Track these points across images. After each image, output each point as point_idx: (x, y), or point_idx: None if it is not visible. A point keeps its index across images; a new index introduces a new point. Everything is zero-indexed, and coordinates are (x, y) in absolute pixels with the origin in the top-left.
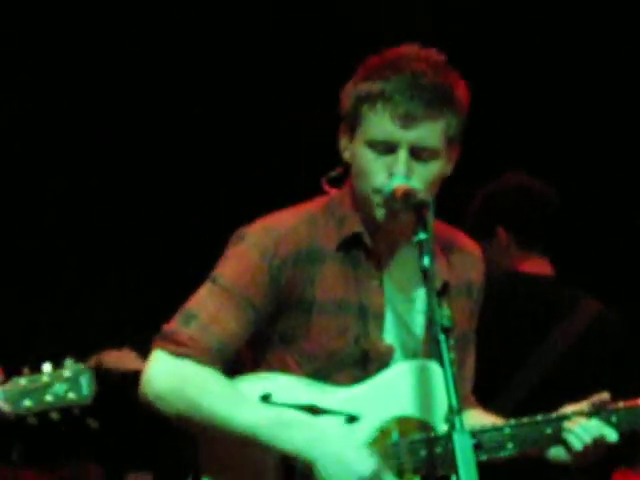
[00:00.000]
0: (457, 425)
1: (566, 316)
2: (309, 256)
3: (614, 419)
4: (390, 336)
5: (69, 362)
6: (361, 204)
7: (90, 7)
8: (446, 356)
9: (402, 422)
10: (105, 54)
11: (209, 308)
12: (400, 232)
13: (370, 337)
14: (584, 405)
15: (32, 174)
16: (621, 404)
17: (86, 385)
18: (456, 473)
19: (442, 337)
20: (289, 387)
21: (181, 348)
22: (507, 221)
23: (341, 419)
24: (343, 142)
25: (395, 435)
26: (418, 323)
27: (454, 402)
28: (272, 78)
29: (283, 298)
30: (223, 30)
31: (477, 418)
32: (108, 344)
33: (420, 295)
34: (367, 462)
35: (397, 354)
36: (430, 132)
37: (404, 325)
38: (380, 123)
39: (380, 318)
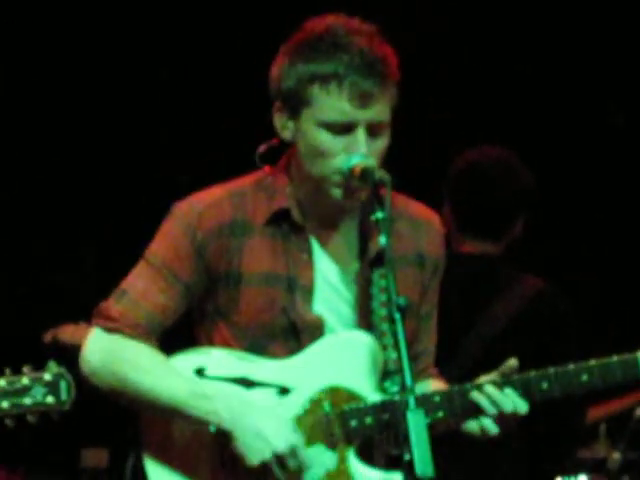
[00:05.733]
0: (411, 404)
1: (505, 292)
2: (234, 229)
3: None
4: (322, 308)
5: (51, 365)
6: (314, 183)
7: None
8: (401, 335)
9: (333, 392)
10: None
11: (139, 284)
12: (337, 206)
13: (297, 309)
14: (494, 375)
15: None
16: (532, 373)
17: (65, 390)
18: (410, 452)
19: (397, 316)
20: (223, 360)
21: (112, 323)
22: (450, 202)
23: (273, 391)
24: (281, 121)
25: (327, 406)
26: (353, 294)
27: (408, 380)
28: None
29: (212, 271)
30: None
31: (428, 389)
32: (67, 318)
33: (355, 267)
34: (285, 437)
35: (333, 325)
36: (383, 107)
37: (339, 297)
38: (336, 104)
39: (308, 291)
